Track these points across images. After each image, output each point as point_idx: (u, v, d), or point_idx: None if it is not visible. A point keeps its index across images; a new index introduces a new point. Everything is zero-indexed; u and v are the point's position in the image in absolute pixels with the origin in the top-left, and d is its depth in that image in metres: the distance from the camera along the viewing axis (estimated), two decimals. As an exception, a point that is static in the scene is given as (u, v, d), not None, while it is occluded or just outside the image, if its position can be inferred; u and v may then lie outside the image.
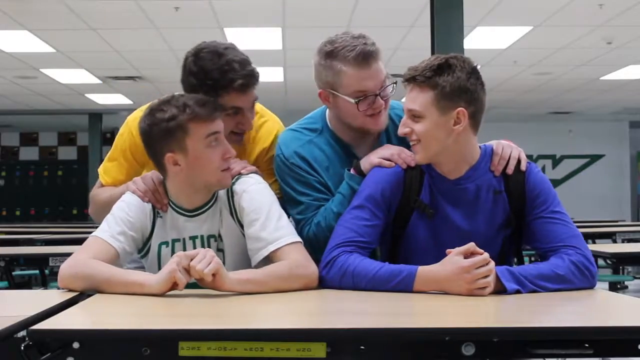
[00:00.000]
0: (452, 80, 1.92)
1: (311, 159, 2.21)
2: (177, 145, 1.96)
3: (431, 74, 1.93)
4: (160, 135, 1.97)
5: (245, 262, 2.04)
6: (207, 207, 2.06)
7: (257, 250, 1.98)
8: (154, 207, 2.06)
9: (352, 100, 2.11)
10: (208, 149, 1.97)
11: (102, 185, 2.38)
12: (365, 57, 2.09)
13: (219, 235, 2.07)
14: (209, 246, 2.05)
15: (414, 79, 1.95)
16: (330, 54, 2.12)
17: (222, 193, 2.07)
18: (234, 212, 2.05)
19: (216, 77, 2.11)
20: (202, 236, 2.06)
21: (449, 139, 1.96)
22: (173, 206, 2.06)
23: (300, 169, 2.20)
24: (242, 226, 2.04)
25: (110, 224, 2.00)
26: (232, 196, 2.05)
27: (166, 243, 2.07)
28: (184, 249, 1.99)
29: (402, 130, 2.01)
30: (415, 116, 1.97)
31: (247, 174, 2.10)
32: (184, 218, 2.06)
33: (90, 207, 2.41)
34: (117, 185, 2.27)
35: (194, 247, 2.03)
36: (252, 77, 2.15)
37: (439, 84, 1.92)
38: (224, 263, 2.03)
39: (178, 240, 2.06)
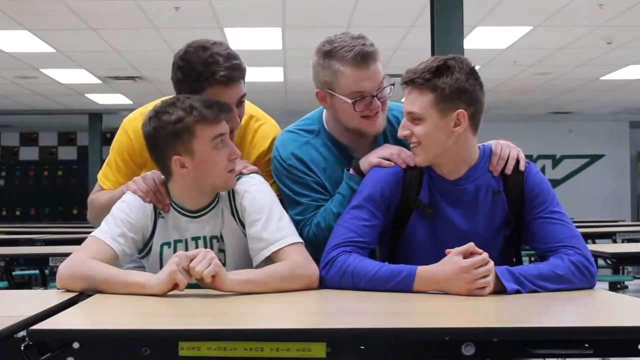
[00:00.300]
0: (451, 82, 1.92)
1: (308, 160, 2.21)
2: (184, 148, 1.95)
3: (430, 76, 1.93)
4: (167, 138, 1.95)
5: (246, 262, 2.04)
6: (209, 208, 2.05)
7: (259, 250, 1.98)
8: (155, 208, 2.06)
9: (349, 101, 2.10)
10: (214, 151, 1.96)
11: (101, 189, 2.37)
12: (364, 57, 2.08)
13: (221, 236, 2.06)
14: (211, 247, 2.05)
15: (412, 81, 1.95)
16: (328, 53, 2.12)
17: (223, 193, 2.06)
18: (235, 212, 2.05)
19: (200, 70, 2.10)
20: (204, 237, 2.05)
21: (449, 140, 1.96)
22: (175, 207, 2.05)
23: (297, 170, 2.19)
24: (243, 226, 2.04)
25: (110, 224, 1.99)
26: (234, 196, 2.05)
27: (168, 244, 2.06)
28: (186, 250, 1.99)
29: (401, 133, 2.01)
30: (415, 119, 1.96)
31: (249, 173, 2.10)
32: (186, 219, 2.05)
33: (89, 212, 2.38)
34: (115, 188, 2.26)
35: (197, 248, 2.02)
36: (235, 70, 2.12)
37: (438, 86, 1.92)
38: (225, 263, 2.03)
39: (180, 241, 2.06)
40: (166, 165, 1.99)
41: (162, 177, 2.07)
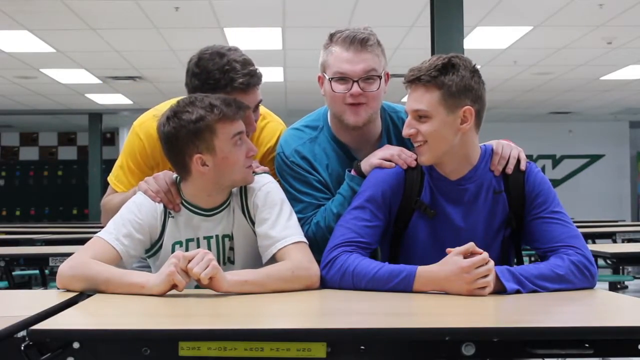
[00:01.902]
0: (458, 80, 1.93)
1: (311, 157, 2.21)
2: (205, 146, 1.95)
3: (436, 73, 1.93)
4: (188, 137, 1.95)
5: (255, 260, 2.05)
6: (223, 206, 2.05)
7: (267, 247, 1.99)
8: (165, 208, 2.05)
9: (327, 77, 2.14)
10: (235, 148, 1.97)
11: (114, 192, 2.36)
12: (353, 41, 2.12)
13: (232, 234, 2.07)
14: (223, 245, 2.06)
15: (418, 79, 1.95)
16: (332, 36, 2.18)
17: (234, 191, 2.07)
18: (246, 209, 2.05)
19: (217, 77, 2.12)
20: (217, 236, 2.05)
21: (455, 138, 1.96)
22: (188, 206, 2.05)
23: (300, 168, 2.20)
24: (253, 224, 2.05)
25: (117, 225, 1.99)
26: (246, 194, 2.06)
27: (180, 243, 2.06)
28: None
29: (407, 132, 2.00)
30: (421, 116, 1.96)
31: (261, 173, 2.11)
32: (199, 217, 2.05)
33: (102, 216, 2.36)
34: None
35: (209, 247, 2.03)
36: (253, 77, 2.15)
37: (445, 83, 1.92)
38: (234, 261, 2.04)
39: (192, 240, 2.05)
40: (185, 165, 1.99)
41: (173, 177, 2.08)
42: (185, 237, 2.06)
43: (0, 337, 1.33)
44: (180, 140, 1.96)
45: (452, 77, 1.93)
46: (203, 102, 1.96)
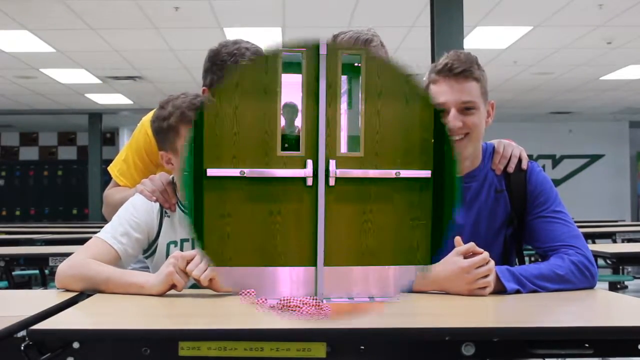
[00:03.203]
0: (485, 75, 2.00)
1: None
2: (170, 145, 2.00)
3: (476, 67, 1.99)
4: (157, 133, 2.02)
5: None
6: None
7: None
8: (161, 208, 2.06)
9: None
10: None
11: (117, 185, 2.39)
12: (357, 42, 2.14)
13: None
14: None
15: (466, 71, 1.97)
16: (335, 37, 2.20)
17: None
18: None
19: (225, 58, 2.18)
20: None
21: (484, 131, 2.03)
22: (180, 206, 2.07)
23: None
24: None
25: (114, 225, 2.00)
26: None
27: (175, 242, 2.07)
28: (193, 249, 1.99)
29: (455, 124, 1.96)
30: (467, 108, 1.98)
31: None
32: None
33: (104, 207, 2.43)
34: (133, 186, 2.28)
35: None
36: None
37: (480, 77, 1.99)
38: None
39: (187, 240, 2.06)
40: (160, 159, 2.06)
41: (170, 177, 2.10)
42: (180, 237, 2.07)
43: (0, 337, 1.33)
44: (154, 133, 2.04)
45: (482, 72, 2.00)
46: (175, 102, 1.99)
